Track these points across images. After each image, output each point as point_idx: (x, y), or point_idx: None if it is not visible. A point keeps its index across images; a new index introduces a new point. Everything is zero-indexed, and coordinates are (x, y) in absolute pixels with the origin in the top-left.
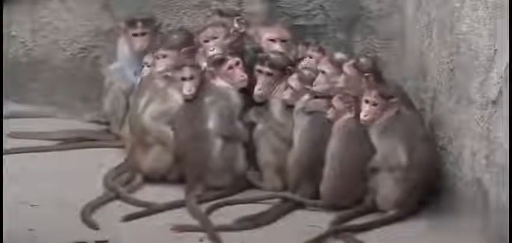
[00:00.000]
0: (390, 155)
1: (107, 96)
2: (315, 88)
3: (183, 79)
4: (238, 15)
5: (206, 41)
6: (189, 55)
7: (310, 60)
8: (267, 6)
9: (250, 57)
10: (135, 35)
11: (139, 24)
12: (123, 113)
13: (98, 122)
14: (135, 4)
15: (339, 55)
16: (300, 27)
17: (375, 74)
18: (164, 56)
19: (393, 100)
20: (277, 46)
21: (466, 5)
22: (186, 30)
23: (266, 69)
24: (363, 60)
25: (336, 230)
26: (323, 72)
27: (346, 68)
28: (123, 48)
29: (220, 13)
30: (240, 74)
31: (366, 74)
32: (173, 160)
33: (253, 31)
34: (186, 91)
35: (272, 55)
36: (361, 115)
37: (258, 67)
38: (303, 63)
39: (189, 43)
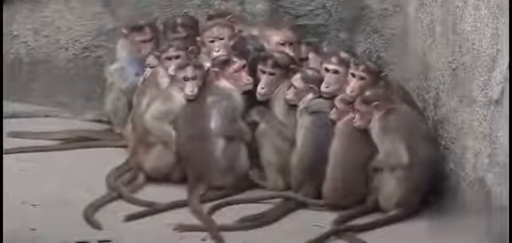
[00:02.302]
0: (392, 155)
1: (108, 96)
2: (326, 90)
3: (186, 79)
4: (230, 14)
5: (212, 41)
6: (196, 54)
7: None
8: (269, 6)
9: (252, 56)
10: (144, 41)
11: (147, 30)
12: (124, 113)
13: (100, 121)
14: (137, 4)
15: (343, 55)
16: (302, 27)
17: (375, 76)
18: (177, 57)
19: (374, 104)
20: (286, 50)
21: (468, 4)
22: (191, 17)
23: (269, 69)
24: (369, 63)
25: (338, 229)
26: (335, 72)
27: (361, 72)
28: (123, 51)
29: (211, 17)
30: (246, 77)
31: (382, 74)
32: (175, 159)
33: (260, 33)
34: (188, 92)
35: (276, 55)
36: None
37: (260, 67)
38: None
39: (194, 33)
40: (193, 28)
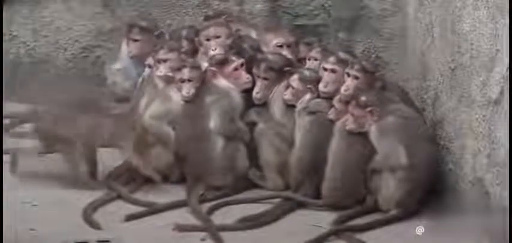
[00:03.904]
0: (390, 156)
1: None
2: (325, 89)
3: (182, 81)
4: (226, 13)
5: (208, 40)
6: (190, 55)
7: (315, 62)
8: (268, 6)
9: (249, 54)
10: (132, 39)
11: (135, 30)
12: None
13: None
14: (137, 4)
15: (342, 55)
16: (302, 27)
17: (370, 75)
18: (165, 61)
19: (368, 109)
20: (285, 52)
21: (467, 4)
22: (192, 26)
23: (262, 74)
24: (364, 62)
25: (338, 229)
26: (333, 72)
27: (355, 72)
28: (125, 49)
29: (208, 17)
30: (245, 76)
31: (377, 74)
32: (174, 159)
33: (258, 36)
34: (184, 93)
35: (270, 57)
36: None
37: (254, 71)
38: (308, 65)
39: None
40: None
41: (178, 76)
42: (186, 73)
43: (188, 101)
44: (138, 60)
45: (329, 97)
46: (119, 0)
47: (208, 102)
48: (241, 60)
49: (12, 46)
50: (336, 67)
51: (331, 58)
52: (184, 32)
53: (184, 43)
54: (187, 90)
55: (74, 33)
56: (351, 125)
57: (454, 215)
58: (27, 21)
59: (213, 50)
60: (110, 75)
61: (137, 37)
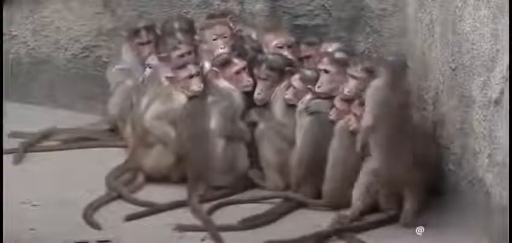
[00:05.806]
0: None
1: (114, 99)
2: (319, 90)
3: (191, 76)
4: (230, 13)
5: (215, 39)
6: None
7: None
8: (269, 6)
9: (250, 55)
10: (142, 43)
11: (143, 33)
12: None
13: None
14: (137, 4)
15: (338, 54)
16: (302, 27)
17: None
18: (189, 53)
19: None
20: (285, 53)
21: (468, 4)
22: (187, 19)
23: (263, 75)
24: (367, 62)
25: (338, 229)
26: (326, 72)
27: (355, 72)
28: (127, 53)
29: (212, 16)
30: (246, 79)
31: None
32: (175, 159)
33: (258, 37)
34: (196, 88)
35: (270, 58)
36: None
37: (255, 71)
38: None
39: (192, 35)
40: (190, 31)
41: (185, 73)
42: (192, 69)
43: (198, 96)
44: (141, 61)
45: (328, 97)
46: (119, 0)
47: (209, 102)
48: (244, 64)
49: (12, 46)
50: (328, 67)
51: (325, 59)
52: (176, 24)
53: (179, 35)
54: (198, 83)
55: (74, 33)
56: (354, 125)
57: (454, 215)
58: (27, 21)
59: (221, 48)
60: (114, 77)
61: (149, 38)
